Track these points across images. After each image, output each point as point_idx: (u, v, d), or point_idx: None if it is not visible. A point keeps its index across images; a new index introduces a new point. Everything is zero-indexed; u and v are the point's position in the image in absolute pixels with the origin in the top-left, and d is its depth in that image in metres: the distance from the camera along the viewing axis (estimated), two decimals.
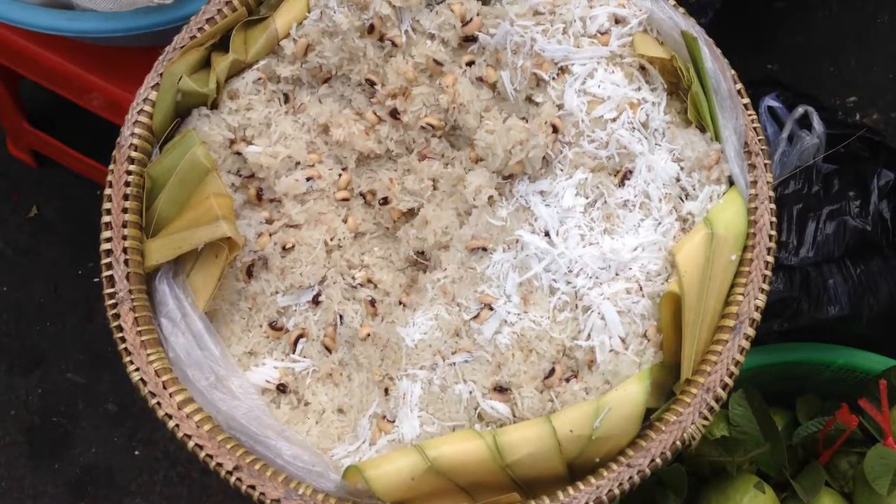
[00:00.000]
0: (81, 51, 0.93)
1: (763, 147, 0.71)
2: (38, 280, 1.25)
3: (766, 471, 0.87)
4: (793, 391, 1.04)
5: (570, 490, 0.62)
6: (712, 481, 0.84)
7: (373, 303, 0.72)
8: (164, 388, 0.66)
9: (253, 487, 0.63)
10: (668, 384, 0.66)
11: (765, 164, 0.70)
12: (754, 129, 0.71)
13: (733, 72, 0.72)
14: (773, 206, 0.69)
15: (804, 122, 1.13)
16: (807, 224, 1.03)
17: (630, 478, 0.62)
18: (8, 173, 1.31)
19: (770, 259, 0.68)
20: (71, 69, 0.96)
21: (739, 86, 0.72)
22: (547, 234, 0.68)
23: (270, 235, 0.74)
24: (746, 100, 0.72)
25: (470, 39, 0.74)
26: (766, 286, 0.67)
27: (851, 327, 1.02)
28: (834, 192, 1.05)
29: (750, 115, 0.71)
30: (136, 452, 1.18)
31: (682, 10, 0.73)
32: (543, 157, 0.69)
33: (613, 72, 0.70)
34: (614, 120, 0.68)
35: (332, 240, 0.74)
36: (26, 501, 1.17)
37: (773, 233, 0.68)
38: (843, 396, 1.04)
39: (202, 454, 0.64)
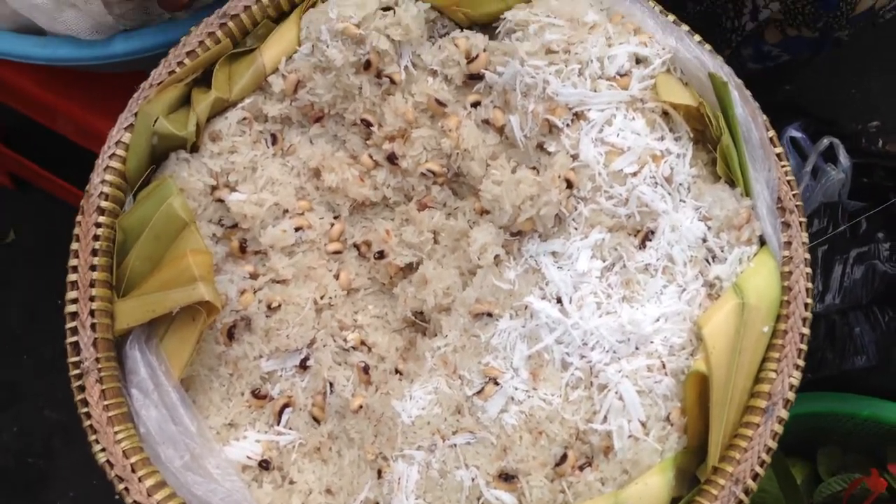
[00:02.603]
0: (51, 74, 0.86)
1: (798, 203, 0.64)
2: (14, 308, 1.19)
3: None
4: (813, 441, 0.98)
5: None
6: None
7: (366, 369, 0.66)
8: (133, 471, 0.59)
9: None
10: (692, 469, 0.59)
11: (800, 223, 0.63)
12: (788, 182, 0.64)
13: (765, 117, 0.65)
14: (808, 269, 0.63)
15: (829, 155, 1.07)
16: (833, 267, 0.97)
17: None
18: None
19: (806, 331, 0.61)
20: (39, 93, 0.89)
21: (772, 133, 0.65)
22: (559, 300, 0.61)
23: (255, 292, 0.67)
24: (780, 149, 0.65)
25: (475, 78, 0.67)
26: (801, 362, 0.60)
27: (879, 378, 0.96)
28: (862, 233, 0.98)
29: (784, 166, 0.65)
30: (117, 497, 1.11)
31: (708, 47, 0.66)
32: (556, 215, 0.62)
33: (634, 118, 0.63)
34: (635, 174, 0.61)
35: (322, 298, 0.67)
36: None
37: (810, 300, 0.62)
38: (867, 448, 0.98)
39: None
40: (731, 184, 0.63)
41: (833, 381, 0.96)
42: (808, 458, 0.98)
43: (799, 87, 1.34)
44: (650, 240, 0.61)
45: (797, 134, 1.06)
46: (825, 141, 1.05)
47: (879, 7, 0.91)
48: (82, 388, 0.61)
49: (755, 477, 0.58)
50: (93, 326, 0.62)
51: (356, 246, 0.69)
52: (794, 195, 0.64)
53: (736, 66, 1.03)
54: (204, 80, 0.68)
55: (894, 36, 1.36)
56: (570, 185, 0.62)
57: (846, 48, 1.34)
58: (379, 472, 0.62)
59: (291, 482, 0.65)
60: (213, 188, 0.67)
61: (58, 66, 0.79)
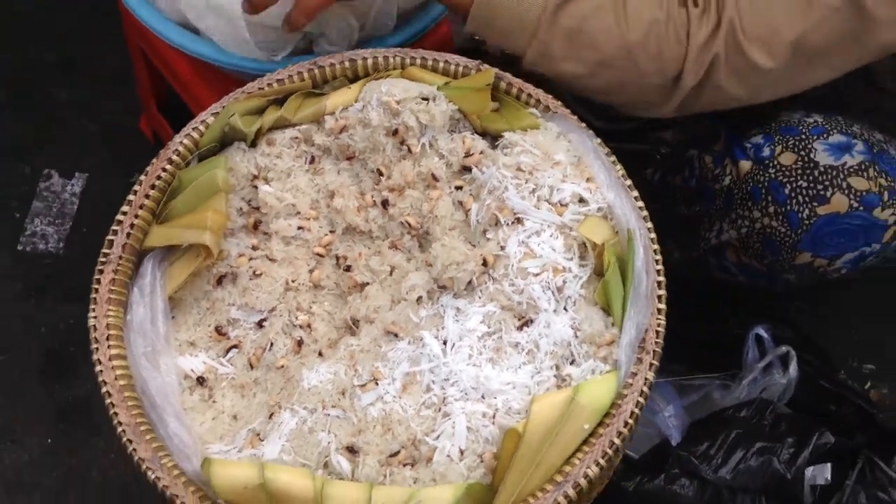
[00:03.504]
0: (198, 65, 1.12)
1: (657, 349, 0.80)
2: None
3: None
4: None
5: None
6: None
7: (300, 343, 0.86)
8: (107, 339, 0.81)
9: (130, 441, 0.77)
10: (485, 502, 0.75)
11: (650, 364, 0.79)
12: (657, 331, 0.80)
13: (660, 271, 0.82)
14: (641, 399, 0.78)
15: (787, 361, 1.20)
16: (736, 449, 1.09)
17: None
18: (134, 142, 1.54)
19: (617, 442, 0.76)
20: (187, 77, 1.16)
21: (661, 292, 0.82)
22: (445, 343, 0.79)
23: (249, 259, 0.89)
24: (663, 305, 0.81)
25: (467, 169, 0.88)
26: (602, 462, 0.75)
27: None
28: (776, 432, 1.11)
29: (659, 319, 0.81)
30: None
31: (640, 204, 0.84)
32: (469, 282, 0.82)
33: (556, 238, 0.82)
34: (536, 275, 0.80)
35: (293, 281, 0.88)
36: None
37: (631, 422, 0.77)
38: None
39: (107, 401, 0.78)
40: (607, 311, 0.80)
41: None
42: None
43: (808, 314, 1.45)
44: (527, 326, 0.79)
45: (763, 334, 1.20)
46: (783, 348, 1.19)
47: (819, 266, 1.04)
48: (101, 272, 0.83)
49: None
50: (128, 235, 0.85)
51: (336, 256, 0.90)
52: (656, 342, 0.80)
53: (708, 265, 1.18)
54: (279, 102, 0.92)
55: None
56: (486, 263, 0.81)
57: (864, 291, 1.45)
58: (271, 414, 0.81)
59: (213, 401, 0.84)
60: (254, 177, 0.90)
61: (200, 59, 1.05)
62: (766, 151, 1.01)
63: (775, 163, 1.00)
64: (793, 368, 1.17)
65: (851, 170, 0.96)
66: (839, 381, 1.29)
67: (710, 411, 1.17)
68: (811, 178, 0.97)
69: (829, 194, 0.97)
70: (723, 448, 1.10)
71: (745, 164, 1.02)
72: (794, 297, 1.47)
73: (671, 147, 1.19)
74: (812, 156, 0.98)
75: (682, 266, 1.18)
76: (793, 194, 0.98)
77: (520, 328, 0.80)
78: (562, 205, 0.83)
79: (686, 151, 1.11)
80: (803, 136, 0.99)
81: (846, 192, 0.96)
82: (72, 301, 1.40)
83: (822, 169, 0.97)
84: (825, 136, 0.99)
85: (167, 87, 1.35)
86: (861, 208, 0.96)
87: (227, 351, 0.86)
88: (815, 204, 0.97)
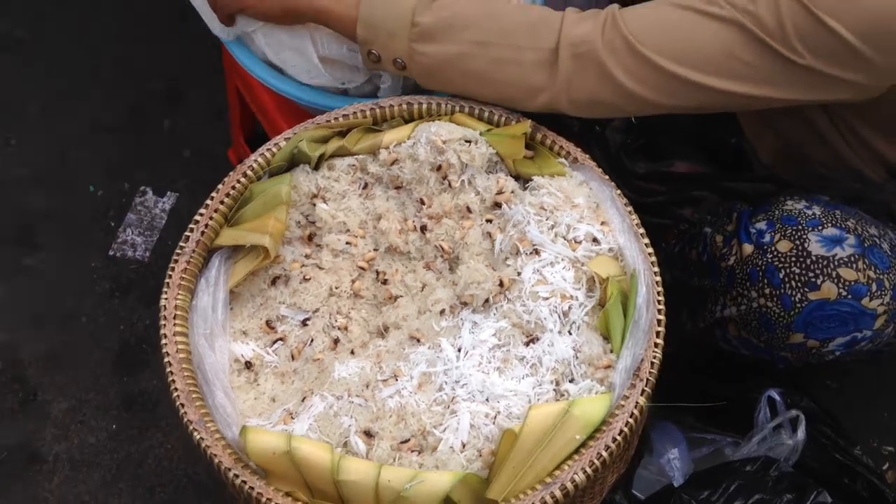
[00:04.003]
0: (283, 101, 1.27)
1: (650, 378, 0.89)
2: None
3: None
4: None
5: None
6: None
7: (336, 342, 0.98)
8: (174, 318, 0.94)
9: (182, 406, 0.89)
10: (479, 492, 0.84)
11: (643, 390, 0.88)
12: (651, 362, 0.90)
13: (661, 310, 0.91)
14: (631, 420, 0.87)
15: (796, 424, 1.26)
16: (736, 499, 1.15)
17: None
18: (221, 168, 1.71)
19: (605, 454, 0.85)
20: (272, 111, 1.32)
21: (660, 329, 0.91)
22: (459, 350, 0.90)
23: (301, 266, 1.02)
24: (660, 340, 0.91)
25: (497, 205, 1.00)
26: (589, 470, 0.84)
27: None
28: (777, 488, 1.17)
29: (655, 351, 0.90)
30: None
31: (650, 250, 0.94)
32: (487, 300, 0.93)
33: (568, 270, 0.92)
34: (546, 299, 0.90)
35: (336, 288, 1.00)
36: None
37: (619, 438, 0.86)
38: None
39: (167, 370, 0.91)
40: (607, 339, 0.90)
41: None
42: None
43: (838, 388, 1.51)
44: (533, 343, 0.90)
45: (776, 397, 1.27)
46: (793, 412, 1.25)
47: (812, 347, 1.10)
48: (175, 262, 0.97)
49: None
50: (202, 233, 0.99)
51: (376, 271, 1.02)
52: (651, 372, 0.89)
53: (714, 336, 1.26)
54: (342, 134, 1.06)
55: None
56: (502, 285, 0.92)
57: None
58: (304, 398, 0.93)
59: (257, 384, 0.97)
60: (314, 195, 1.04)
61: (283, 96, 1.20)
62: (767, 238, 1.09)
63: (773, 249, 1.08)
64: (801, 432, 1.23)
65: (841, 261, 1.04)
66: (854, 456, 1.33)
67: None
68: (804, 265, 1.05)
69: (819, 282, 1.04)
70: (723, 496, 1.16)
71: (748, 247, 1.10)
72: (820, 373, 1.53)
73: (690, 223, 1.28)
74: (806, 245, 1.06)
75: (694, 334, 1.26)
76: (786, 279, 1.06)
77: (526, 344, 0.90)
78: (576, 242, 0.94)
79: (702, 228, 1.20)
80: (800, 227, 1.07)
81: (835, 280, 1.04)
82: (150, 304, 1.55)
83: (814, 258, 1.05)
84: (820, 227, 1.07)
85: (255, 123, 1.52)
86: (849, 296, 1.04)
87: (274, 343, 0.99)
88: (806, 289, 1.05)
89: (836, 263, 1.04)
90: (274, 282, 1.01)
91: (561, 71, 0.97)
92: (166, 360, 0.92)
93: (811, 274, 1.05)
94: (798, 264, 1.06)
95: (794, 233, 1.08)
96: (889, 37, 0.90)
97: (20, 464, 1.44)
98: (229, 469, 0.86)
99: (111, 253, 1.64)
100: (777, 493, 1.15)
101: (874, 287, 1.05)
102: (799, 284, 1.06)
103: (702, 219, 1.24)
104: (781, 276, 1.07)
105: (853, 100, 1.00)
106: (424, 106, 1.06)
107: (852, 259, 1.05)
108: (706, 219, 1.22)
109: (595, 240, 0.94)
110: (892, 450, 1.46)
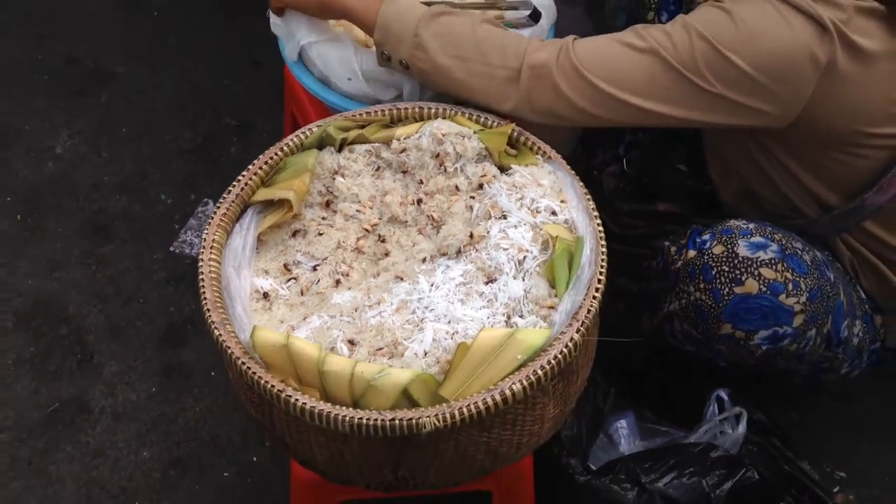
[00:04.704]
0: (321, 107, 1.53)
1: (586, 321, 1.08)
2: None
3: None
4: None
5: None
6: None
7: (338, 283, 1.20)
8: (211, 249, 1.18)
9: (209, 311, 1.11)
10: (433, 389, 1.04)
11: (577, 329, 1.07)
12: (589, 309, 1.09)
13: (602, 270, 1.11)
14: (566, 350, 1.06)
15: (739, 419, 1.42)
16: (675, 469, 1.32)
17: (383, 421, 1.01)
18: None
19: (539, 373, 1.03)
20: (312, 117, 1.58)
21: (600, 286, 1.11)
22: (432, 285, 1.11)
23: (317, 224, 1.25)
24: (598, 295, 1.10)
25: (480, 186, 1.22)
26: (525, 383, 1.03)
27: None
28: (712, 464, 1.32)
29: (592, 302, 1.09)
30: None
31: (601, 227, 1.15)
32: (459, 250, 1.14)
33: (528, 231, 1.14)
34: (506, 250, 1.11)
35: (343, 243, 1.23)
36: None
37: (553, 363, 1.04)
38: None
39: (201, 285, 1.14)
40: (553, 286, 1.10)
41: None
42: None
43: (801, 416, 1.65)
44: (492, 283, 1.10)
45: (724, 396, 1.43)
46: (737, 409, 1.41)
47: (739, 338, 1.27)
48: (218, 208, 1.22)
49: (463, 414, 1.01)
50: (241, 189, 1.23)
51: (379, 235, 1.25)
52: (587, 314, 1.08)
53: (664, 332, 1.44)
54: (363, 126, 1.31)
55: None
56: (472, 237, 1.13)
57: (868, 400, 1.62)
58: (304, 317, 1.14)
59: (270, 310, 1.18)
60: (335, 172, 1.28)
61: (327, 108, 1.47)
62: (707, 245, 1.29)
63: (710, 252, 1.28)
64: (742, 427, 1.39)
65: (763, 262, 1.24)
66: (801, 469, 1.48)
67: None
68: (732, 265, 1.25)
69: (743, 278, 1.24)
70: (664, 467, 1.32)
71: (692, 252, 1.31)
72: (789, 407, 1.67)
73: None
74: (735, 248, 1.26)
75: (651, 334, 1.44)
76: (717, 276, 1.26)
77: (486, 283, 1.11)
78: (537, 212, 1.16)
79: (663, 242, 1.41)
80: (734, 235, 1.28)
81: (757, 278, 1.23)
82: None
83: (740, 259, 1.25)
84: (749, 236, 1.27)
85: None
86: (768, 292, 1.23)
87: (288, 281, 1.21)
88: (733, 285, 1.24)
89: (758, 264, 1.23)
90: (294, 234, 1.24)
91: (522, 86, 1.24)
92: (201, 277, 1.15)
93: (737, 272, 1.24)
94: (727, 263, 1.25)
95: (727, 239, 1.28)
96: (780, 68, 1.13)
97: (70, 413, 1.67)
98: (238, 358, 1.07)
99: (171, 249, 1.90)
100: (710, 469, 1.31)
101: (790, 287, 1.23)
102: (727, 280, 1.24)
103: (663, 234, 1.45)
104: (713, 273, 1.26)
105: (770, 126, 1.22)
106: (433, 110, 1.31)
107: (773, 262, 1.24)
108: (666, 235, 1.43)
109: (553, 212, 1.16)
110: (843, 475, 1.59)
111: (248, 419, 1.36)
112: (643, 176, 1.69)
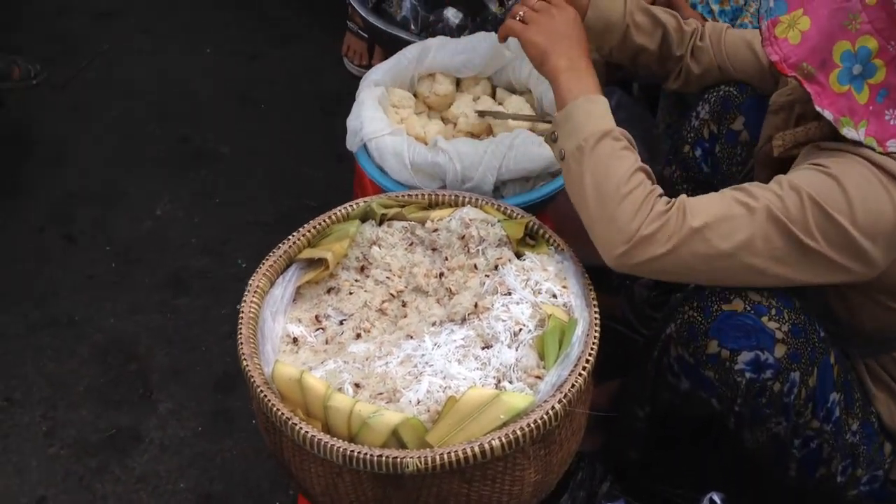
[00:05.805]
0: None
1: (570, 395, 1.19)
2: None
3: None
4: None
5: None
6: None
7: (358, 336, 1.35)
8: (254, 294, 1.35)
9: (242, 343, 1.28)
10: (421, 437, 1.16)
11: (560, 401, 1.18)
12: (573, 384, 1.20)
13: (593, 353, 1.23)
14: (546, 417, 1.17)
15: None
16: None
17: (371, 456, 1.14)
18: None
19: (518, 434, 1.15)
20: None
21: (588, 365, 1.22)
22: (436, 345, 1.25)
23: (350, 285, 1.41)
24: (585, 373, 1.21)
25: (495, 268, 1.37)
26: (504, 441, 1.14)
27: None
28: None
29: (581, 374, 1.21)
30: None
31: (597, 315, 1.27)
32: (464, 318, 1.28)
33: (528, 308, 1.27)
34: (504, 321, 1.25)
35: (370, 302, 1.39)
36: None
37: (533, 426, 1.16)
38: None
39: (240, 319, 1.31)
40: (543, 358, 1.22)
41: None
42: None
43: None
44: (487, 349, 1.23)
45: (716, 499, 1.49)
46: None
47: (724, 358, 1.31)
48: (266, 260, 1.40)
49: (444, 460, 1.13)
50: (289, 247, 1.41)
51: (402, 301, 1.40)
52: (571, 390, 1.20)
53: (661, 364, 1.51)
54: (403, 206, 1.48)
55: None
56: (477, 307, 1.27)
57: None
58: (322, 361, 1.29)
59: (296, 353, 1.34)
60: (373, 242, 1.45)
61: (381, 188, 1.66)
62: None
63: None
64: None
65: (753, 289, 1.31)
66: None
67: None
68: (724, 288, 1.32)
69: (731, 298, 1.31)
70: None
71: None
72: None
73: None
74: None
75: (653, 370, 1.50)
76: (709, 295, 1.33)
77: (483, 348, 1.24)
78: (539, 292, 1.29)
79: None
80: None
81: (744, 299, 1.30)
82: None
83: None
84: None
85: None
86: (752, 312, 1.29)
87: (317, 330, 1.37)
88: (721, 302, 1.31)
89: (748, 290, 1.31)
90: (329, 291, 1.41)
91: (632, 245, 1.24)
92: (240, 316, 1.33)
93: (728, 292, 1.32)
94: (721, 288, 1.33)
95: None
96: (882, 232, 1.23)
97: (124, 440, 1.84)
98: (258, 387, 1.23)
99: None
100: None
101: (773, 312, 1.29)
102: (717, 299, 1.32)
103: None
104: (706, 292, 1.33)
105: (857, 282, 1.30)
106: (466, 198, 1.47)
107: (762, 291, 1.31)
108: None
109: (554, 294, 1.29)
110: None
111: (277, 467, 1.49)
112: (675, 290, 1.80)
